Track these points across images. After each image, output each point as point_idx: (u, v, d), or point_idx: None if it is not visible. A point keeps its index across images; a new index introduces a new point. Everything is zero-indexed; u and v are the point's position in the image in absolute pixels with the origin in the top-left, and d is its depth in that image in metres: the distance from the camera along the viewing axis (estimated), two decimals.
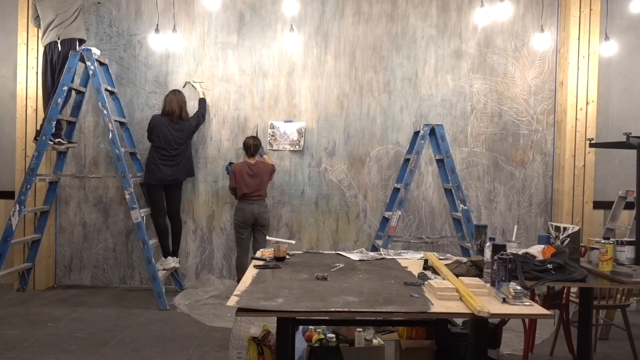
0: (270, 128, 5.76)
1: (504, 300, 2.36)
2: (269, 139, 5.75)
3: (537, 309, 2.33)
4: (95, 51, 5.32)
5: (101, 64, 5.43)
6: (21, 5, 5.63)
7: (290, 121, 5.75)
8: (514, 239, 3.34)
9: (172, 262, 5.55)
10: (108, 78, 5.59)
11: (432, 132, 5.37)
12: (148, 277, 5.34)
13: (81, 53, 5.19)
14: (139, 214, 5.13)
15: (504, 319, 3.25)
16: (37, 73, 5.61)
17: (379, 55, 5.82)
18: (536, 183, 5.81)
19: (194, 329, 4.51)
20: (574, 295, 3.92)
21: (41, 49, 5.44)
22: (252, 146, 5.39)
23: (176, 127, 5.50)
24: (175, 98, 5.53)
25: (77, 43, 5.32)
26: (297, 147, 5.77)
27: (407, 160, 5.48)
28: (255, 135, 5.62)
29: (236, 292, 2.49)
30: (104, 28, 5.85)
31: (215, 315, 4.85)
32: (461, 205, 5.29)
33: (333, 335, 3.35)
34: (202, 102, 5.71)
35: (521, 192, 5.82)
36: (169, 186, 5.58)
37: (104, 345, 4.05)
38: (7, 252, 5.19)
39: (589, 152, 5.52)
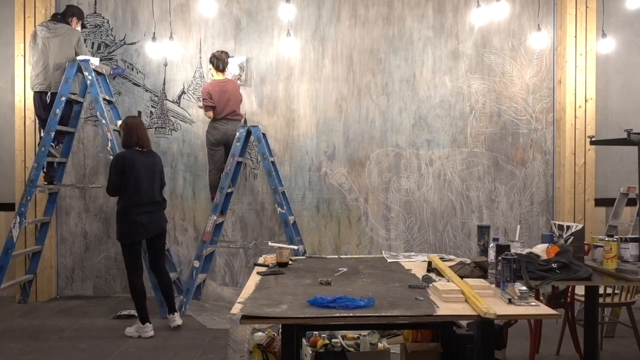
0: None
1: (510, 301, 2.35)
2: (210, 72, 5.55)
3: (543, 309, 2.32)
4: (93, 61, 5.30)
5: (99, 73, 5.43)
6: (17, 17, 5.62)
7: (232, 56, 5.67)
8: (517, 238, 3.32)
9: (177, 319, 4.73)
10: (106, 87, 5.58)
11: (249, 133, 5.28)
12: (150, 286, 5.31)
13: (79, 63, 5.18)
14: None
15: (511, 320, 3.24)
16: None
17: (377, 58, 5.81)
18: (537, 182, 5.80)
19: (197, 336, 4.49)
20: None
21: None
22: (222, 61, 5.34)
23: (147, 161, 4.54)
24: (142, 122, 4.69)
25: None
26: (238, 81, 5.70)
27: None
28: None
29: (240, 299, 2.48)
30: (100, 37, 5.86)
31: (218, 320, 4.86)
32: (279, 209, 5.26)
33: (338, 340, 3.33)
34: None
35: (522, 191, 5.81)
36: (152, 237, 4.65)
37: (108, 356, 4.03)
38: (8, 264, 5.16)
39: (589, 150, 5.51)
